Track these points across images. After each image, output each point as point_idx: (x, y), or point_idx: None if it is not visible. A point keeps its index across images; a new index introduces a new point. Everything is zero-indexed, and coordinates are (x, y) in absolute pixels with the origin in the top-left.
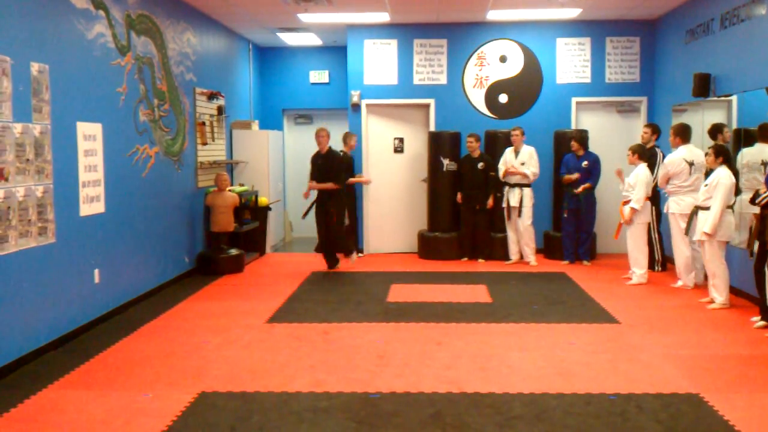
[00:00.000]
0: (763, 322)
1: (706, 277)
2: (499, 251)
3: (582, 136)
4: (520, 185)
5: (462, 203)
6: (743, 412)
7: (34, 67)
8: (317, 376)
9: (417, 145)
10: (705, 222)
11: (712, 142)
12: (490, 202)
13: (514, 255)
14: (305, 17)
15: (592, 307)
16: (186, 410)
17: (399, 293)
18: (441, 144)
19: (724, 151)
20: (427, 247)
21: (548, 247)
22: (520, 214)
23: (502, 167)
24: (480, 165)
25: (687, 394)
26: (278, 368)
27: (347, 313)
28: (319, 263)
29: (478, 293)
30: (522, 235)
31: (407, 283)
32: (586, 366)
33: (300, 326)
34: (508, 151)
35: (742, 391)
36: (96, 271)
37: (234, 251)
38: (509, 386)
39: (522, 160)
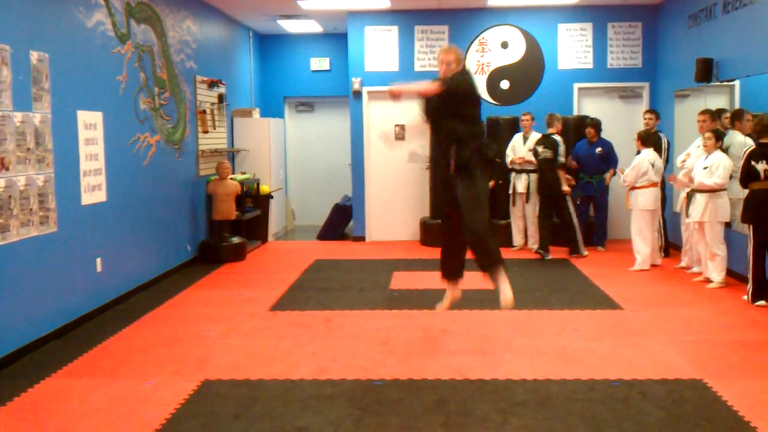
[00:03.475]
0: (763, 302)
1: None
2: (500, 237)
3: (598, 123)
4: (527, 171)
5: None
6: (747, 397)
7: (34, 56)
8: (320, 363)
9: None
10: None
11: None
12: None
13: (518, 242)
14: (305, 4)
15: (594, 293)
16: (189, 398)
17: (401, 280)
18: None
19: (723, 135)
20: (429, 234)
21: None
22: (528, 200)
23: (510, 153)
24: None
25: (690, 379)
26: (281, 356)
27: (350, 301)
28: (321, 250)
29: (481, 280)
30: (530, 221)
31: (409, 271)
32: (589, 352)
33: (303, 314)
34: (517, 137)
35: (746, 377)
36: (98, 260)
37: (236, 239)
38: (512, 373)
39: (530, 146)
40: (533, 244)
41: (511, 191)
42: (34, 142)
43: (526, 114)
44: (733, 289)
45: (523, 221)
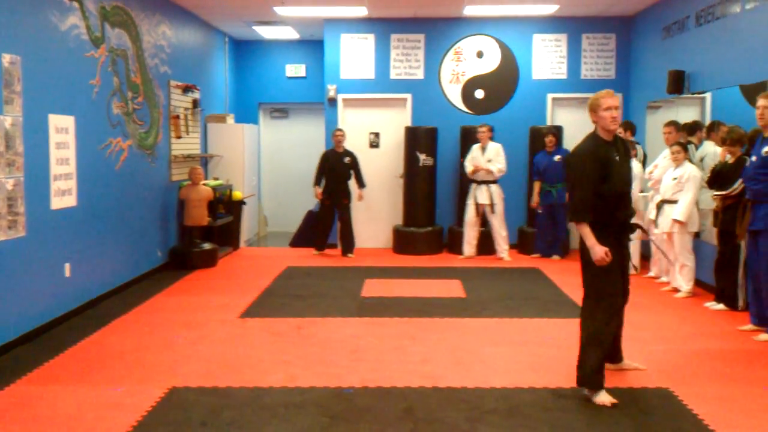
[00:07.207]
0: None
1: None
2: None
3: (558, 132)
4: (487, 182)
5: (325, 198)
6: (712, 406)
7: (6, 59)
8: (291, 371)
9: (393, 140)
10: (675, 211)
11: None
12: None
13: (468, 252)
14: (281, 10)
15: (565, 302)
16: (157, 405)
17: (373, 288)
18: (417, 139)
19: (687, 148)
20: (402, 242)
21: (522, 243)
22: (493, 211)
23: (469, 165)
24: (346, 160)
25: (657, 388)
26: (251, 363)
27: (321, 308)
28: (294, 257)
29: (453, 288)
30: (497, 231)
31: (381, 278)
32: (559, 360)
33: (274, 321)
34: (475, 148)
35: (712, 386)
36: (67, 265)
37: (207, 245)
38: (482, 381)
39: (489, 157)
40: (502, 252)
41: (471, 201)
42: (5, 145)
43: (483, 126)
44: (700, 298)
45: (479, 231)
